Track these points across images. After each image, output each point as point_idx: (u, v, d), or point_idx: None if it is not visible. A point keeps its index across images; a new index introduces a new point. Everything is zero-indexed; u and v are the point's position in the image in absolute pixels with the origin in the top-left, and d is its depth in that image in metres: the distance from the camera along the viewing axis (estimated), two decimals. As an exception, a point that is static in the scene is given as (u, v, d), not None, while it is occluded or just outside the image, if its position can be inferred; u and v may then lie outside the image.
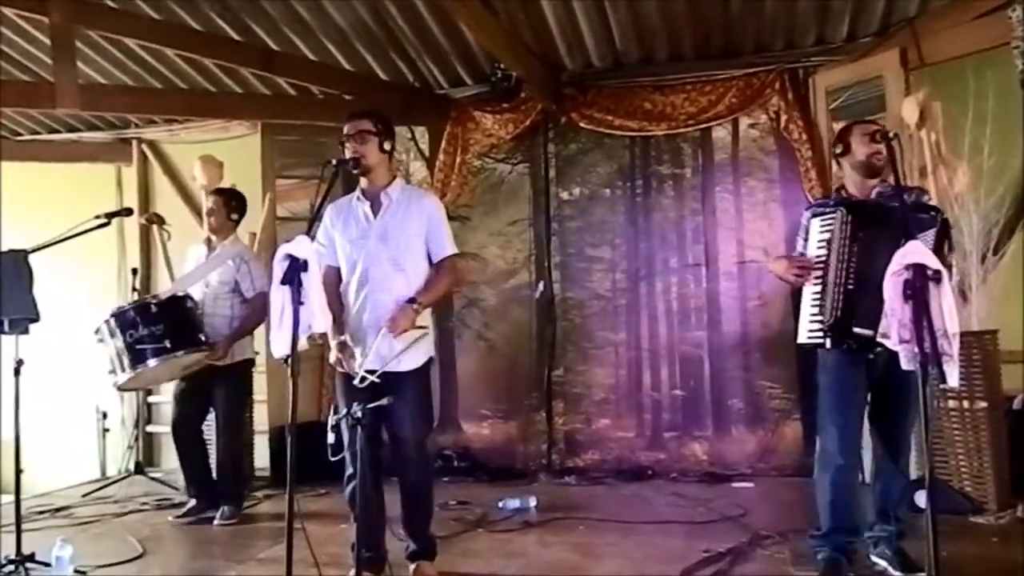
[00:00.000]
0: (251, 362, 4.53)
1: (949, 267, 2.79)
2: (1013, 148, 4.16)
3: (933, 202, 3.34)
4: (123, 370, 3.98)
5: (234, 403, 4.42)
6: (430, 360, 3.22)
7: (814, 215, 3.06)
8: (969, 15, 4.44)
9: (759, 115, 5.33)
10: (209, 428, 4.50)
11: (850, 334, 2.83)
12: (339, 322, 3.13)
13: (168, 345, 3.96)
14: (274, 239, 5.52)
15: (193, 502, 4.36)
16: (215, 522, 4.22)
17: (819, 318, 2.90)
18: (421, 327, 3.11)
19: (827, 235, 2.94)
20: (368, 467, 2.97)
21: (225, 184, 5.18)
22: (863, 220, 2.88)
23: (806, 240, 3.07)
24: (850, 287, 2.84)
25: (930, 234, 2.75)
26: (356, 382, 2.96)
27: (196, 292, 4.34)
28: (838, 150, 3.08)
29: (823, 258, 2.94)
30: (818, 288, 2.93)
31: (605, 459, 5.46)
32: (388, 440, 3.16)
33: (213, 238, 4.48)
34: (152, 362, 3.96)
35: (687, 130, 5.41)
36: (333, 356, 3.10)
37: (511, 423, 5.67)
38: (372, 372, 2.97)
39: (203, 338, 4.15)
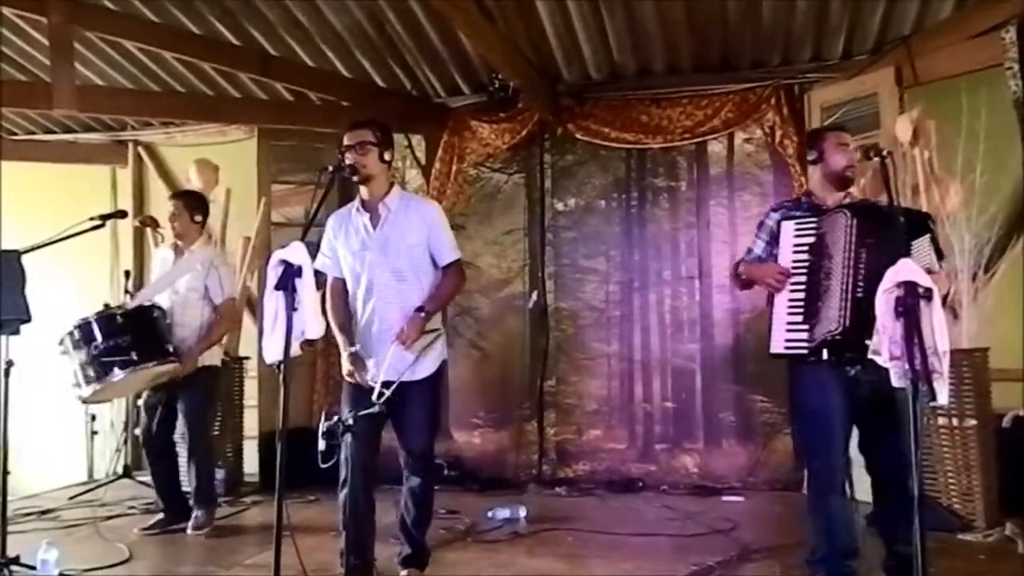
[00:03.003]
0: (215, 368, 4.38)
1: (947, 276, 2.72)
2: (1005, 167, 4.20)
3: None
4: (87, 383, 3.84)
5: (198, 411, 4.24)
6: (443, 364, 3.22)
7: (785, 218, 2.91)
8: (963, 35, 4.49)
9: (754, 130, 5.36)
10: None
11: (859, 346, 2.59)
12: (349, 333, 3.14)
13: (134, 357, 3.83)
14: (268, 244, 5.52)
15: (160, 515, 4.25)
16: (188, 531, 4.11)
17: (802, 327, 2.77)
18: (433, 330, 3.11)
19: (808, 239, 2.81)
20: (360, 474, 2.97)
21: (220, 189, 5.18)
22: (867, 225, 2.72)
23: (769, 243, 2.94)
24: (859, 295, 2.66)
25: (925, 238, 2.71)
26: (374, 397, 2.93)
27: (164, 300, 4.18)
28: (811, 157, 2.96)
29: (804, 263, 2.80)
30: (799, 295, 2.79)
31: (596, 470, 5.46)
32: (399, 445, 3.15)
33: (179, 243, 4.33)
34: (118, 375, 3.82)
35: (683, 143, 5.45)
36: (346, 368, 3.09)
37: (502, 432, 5.67)
38: (388, 385, 2.95)
39: (171, 348, 4.02)
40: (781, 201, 3.14)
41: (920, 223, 2.77)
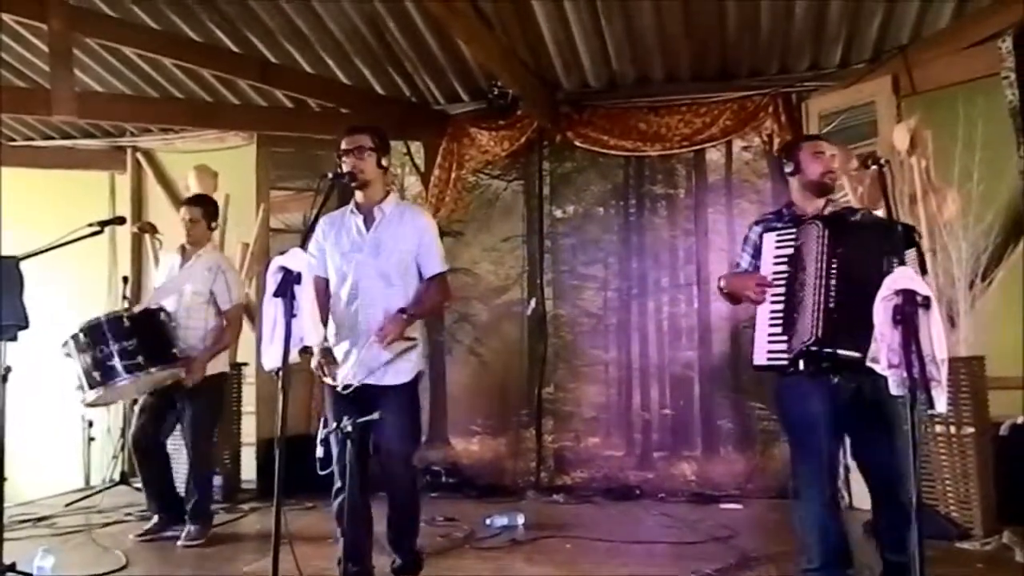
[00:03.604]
0: (223, 376, 4.36)
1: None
2: (1002, 176, 4.21)
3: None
4: (92, 387, 3.80)
5: (203, 419, 4.19)
6: (419, 375, 3.22)
7: (767, 230, 2.92)
8: (960, 44, 4.51)
9: (752, 138, 5.38)
10: (176, 443, 4.36)
11: (832, 356, 2.65)
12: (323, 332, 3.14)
13: (141, 361, 3.79)
14: (267, 250, 5.53)
15: (155, 520, 4.20)
16: (179, 543, 4.03)
17: (782, 339, 2.76)
18: (410, 338, 3.11)
19: (788, 251, 2.81)
20: (355, 481, 2.97)
21: (219, 195, 5.17)
22: (840, 234, 2.73)
23: (754, 256, 2.95)
24: (831, 306, 2.67)
25: (911, 253, 2.69)
26: (339, 388, 2.96)
27: (170, 304, 4.15)
28: (788, 168, 2.95)
29: (784, 275, 2.81)
30: (779, 307, 2.79)
31: (594, 477, 5.45)
32: (375, 454, 3.15)
33: (188, 247, 4.29)
34: (124, 379, 3.79)
35: (681, 151, 5.47)
36: (315, 363, 3.09)
37: (500, 439, 5.66)
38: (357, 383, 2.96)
39: (176, 353, 3.97)
40: (764, 214, 3.16)
41: (906, 237, 2.74)
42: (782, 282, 2.81)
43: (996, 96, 4.25)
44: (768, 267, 2.86)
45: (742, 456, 5.24)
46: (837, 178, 3.03)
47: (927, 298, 2.30)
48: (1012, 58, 4.20)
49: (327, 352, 3.08)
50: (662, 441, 5.42)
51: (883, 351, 2.33)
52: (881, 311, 2.34)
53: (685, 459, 5.34)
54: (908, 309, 2.27)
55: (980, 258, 4.10)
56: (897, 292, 2.31)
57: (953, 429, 3.88)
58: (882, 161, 2.71)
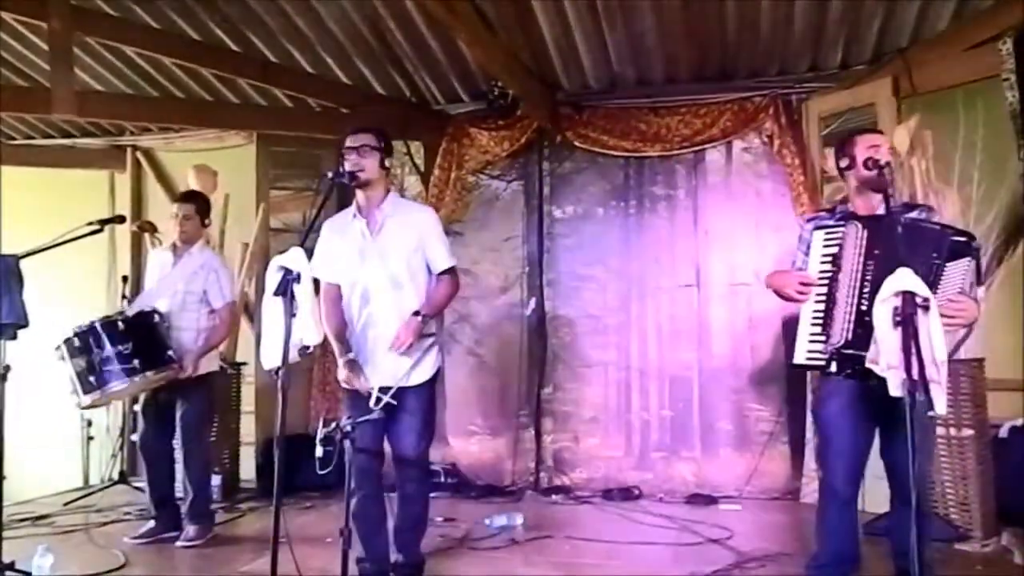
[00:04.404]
0: (214, 375, 4.33)
1: (977, 303, 2.67)
2: (1002, 178, 4.21)
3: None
4: (88, 391, 3.78)
5: (197, 419, 4.18)
6: (438, 372, 3.23)
7: (817, 227, 2.87)
8: (960, 46, 4.51)
9: (752, 139, 5.37)
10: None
11: (859, 359, 2.58)
12: (344, 339, 3.14)
13: (136, 365, 3.78)
14: (266, 250, 5.53)
15: (152, 523, 4.18)
16: (179, 543, 4.03)
17: (821, 338, 2.74)
18: (429, 335, 3.11)
19: (833, 250, 2.78)
20: (369, 481, 2.99)
21: (219, 194, 5.17)
22: (880, 235, 2.66)
23: (807, 254, 2.90)
24: (862, 309, 2.62)
25: (962, 263, 2.59)
26: (372, 403, 2.94)
27: (162, 303, 4.13)
28: (843, 163, 2.90)
29: (827, 274, 2.76)
30: (820, 306, 2.75)
31: (593, 478, 5.44)
32: (393, 452, 3.15)
33: (179, 244, 4.25)
34: (120, 383, 3.78)
35: (681, 152, 5.45)
36: (342, 374, 3.09)
37: (499, 440, 5.65)
38: (385, 390, 2.96)
39: (171, 355, 3.94)
40: (817, 211, 3.13)
41: (958, 246, 2.66)
42: (825, 282, 2.79)
43: (996, 98, 4.25)
44: (815, 265, 2.84)
45: (741, 457, 5.23)
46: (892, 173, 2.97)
47: (927, 299, 2.30)
48: (1012, 60, 4.20)
49: (352, 363, 3.08)
50: (661, 442, 5.42)
51: (883, 352, 2.33)
52: (881, 312, 2.34)
53: (684, 460, 5.34)
54: (908, 310, 2.27)
55: (980, 260, 4.09)
56: (896, 294, 2.31)
57: (952, 431, 3.88)
58: (883, 163, 2.71)
